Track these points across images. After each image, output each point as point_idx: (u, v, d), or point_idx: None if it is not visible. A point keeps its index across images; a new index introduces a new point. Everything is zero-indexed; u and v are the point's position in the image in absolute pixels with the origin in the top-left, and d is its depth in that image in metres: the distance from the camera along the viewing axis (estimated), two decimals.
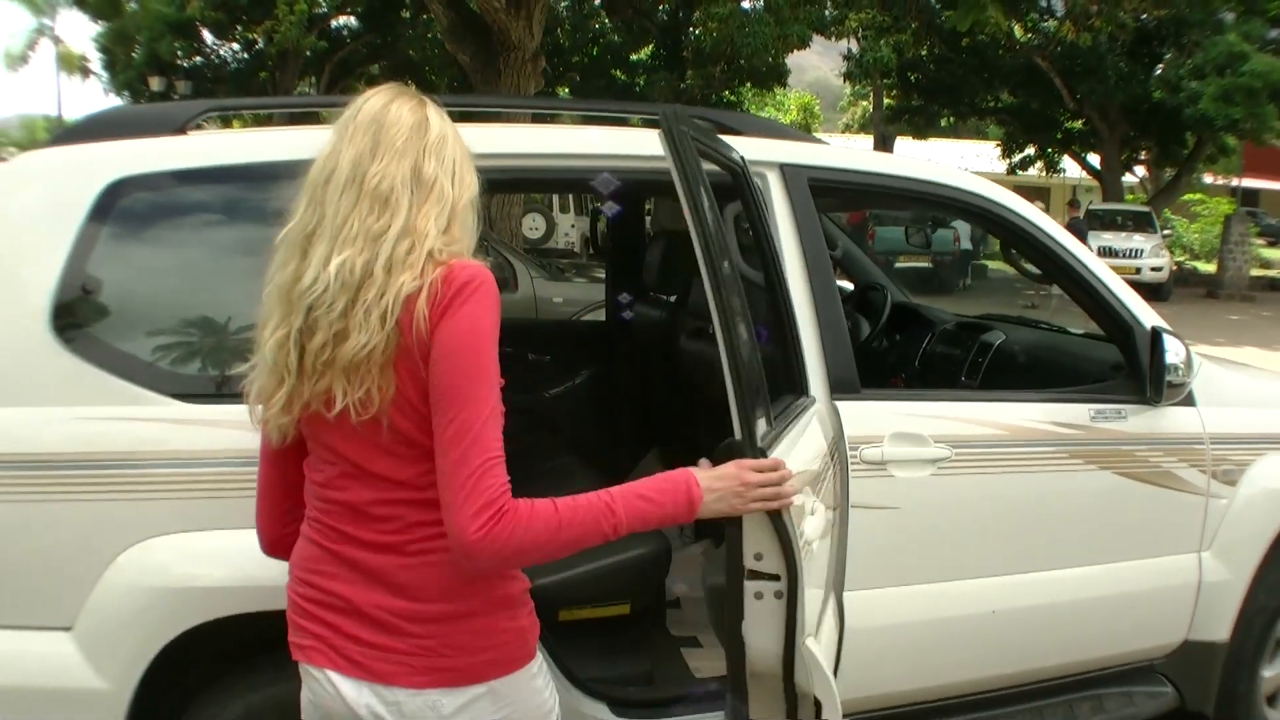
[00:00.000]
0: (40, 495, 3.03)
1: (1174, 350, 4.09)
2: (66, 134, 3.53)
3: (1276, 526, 4.47)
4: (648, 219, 8.51)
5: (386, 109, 2.32)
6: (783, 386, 3.59)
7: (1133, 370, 4.19)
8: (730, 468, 2.42)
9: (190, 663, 3.19)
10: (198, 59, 37.31)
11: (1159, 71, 32.10)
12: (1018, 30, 31.63)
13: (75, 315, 3.11)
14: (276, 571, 3.03)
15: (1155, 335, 4.09)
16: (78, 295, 3.12)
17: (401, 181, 2.22)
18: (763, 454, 2.56)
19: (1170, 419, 4.23)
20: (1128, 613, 4.29)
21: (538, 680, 2.44)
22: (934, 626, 3.88)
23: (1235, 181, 40.84)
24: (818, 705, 2.80)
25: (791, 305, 3.61)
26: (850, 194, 4.60)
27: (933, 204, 4.59)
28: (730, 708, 3.00)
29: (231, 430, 3.05)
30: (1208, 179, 46.87)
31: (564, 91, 36.96)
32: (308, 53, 33.96)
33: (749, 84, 38.64)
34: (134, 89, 36.84)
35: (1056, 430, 4.04)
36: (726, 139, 3.72)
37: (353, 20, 37.66)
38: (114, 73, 38.40)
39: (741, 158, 3.56)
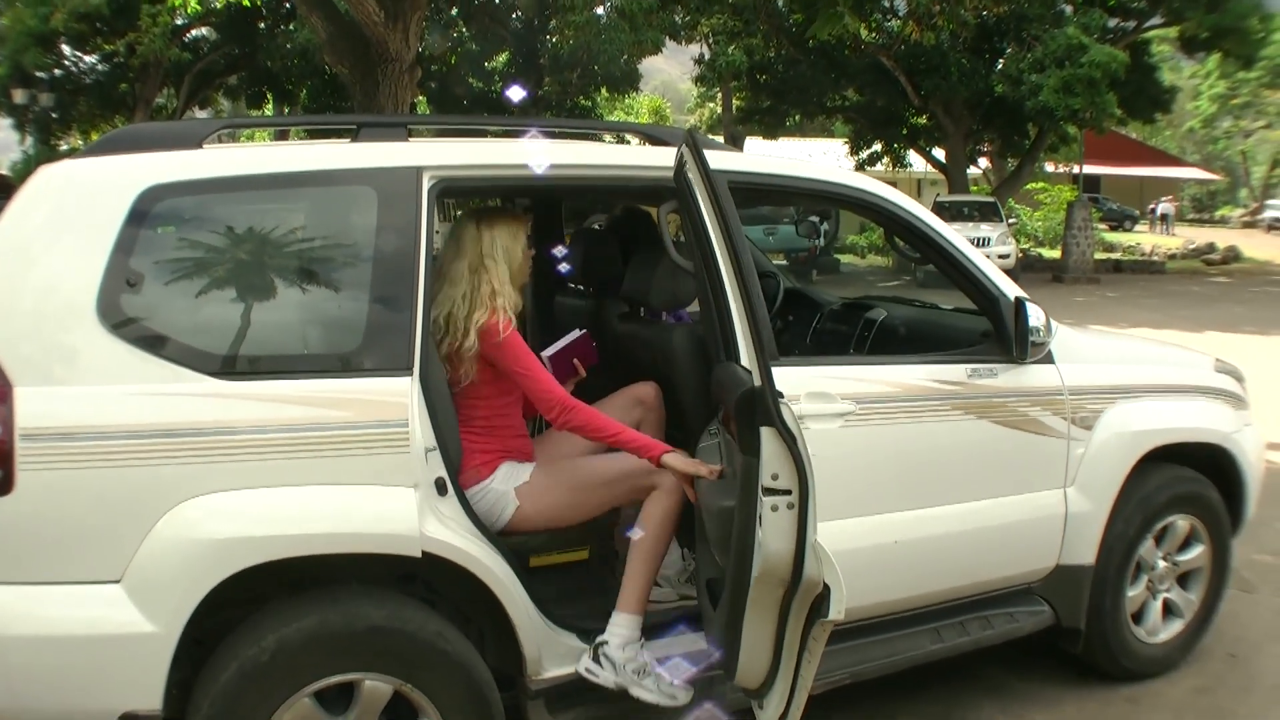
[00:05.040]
0: (91, 463, 3.40)
1: (1035, 315, 4.73)
2: (96, 147, 3.91)
3: (1130, 464, 5.14)
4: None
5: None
6: (712, 353, 4.17)
7: (1000, 335, 4.81)
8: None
9: (227, 604, 3.60)
10: (58, 71, 36.74)
11: (1000, 66, 32.81)
12: (863, 31, 32.18)
13: (118, 305, 3.51)
14: (301, 523, 3.59)
15: (1019, 303, 4.73)
16: (120, 288, 3.52)
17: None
18: (780, 396, 3.42)
19: (1034, 375, 4.88)
20: (1007, 541, 4.91)
21: None
22: (846, 556, 4.30)
23: (1076, 169, 41.91)
24: (823, 594, 3.45)
25: (724, 287, 4.16)
26: (764, 193, 5.09)
27: (831, 200, 5.08)
28: (727, 609, 3.63)
29: (257, 403, 3.59)
30: (1049, 167, 47.93)
31: (423, 99, 37.04)
32: (168, 64, 33.73)
33: (604, 89, 39.08)
34: None
35: (940, 387, 4.65)
36: (656, 150, 4.45)
37: (211, 32, 37.35)
38: None
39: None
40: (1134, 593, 5.37)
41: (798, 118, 42.66)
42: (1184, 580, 5.60)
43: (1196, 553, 5.56)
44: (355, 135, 4.16)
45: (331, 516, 3.63)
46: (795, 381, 4.30)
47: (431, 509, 3.76)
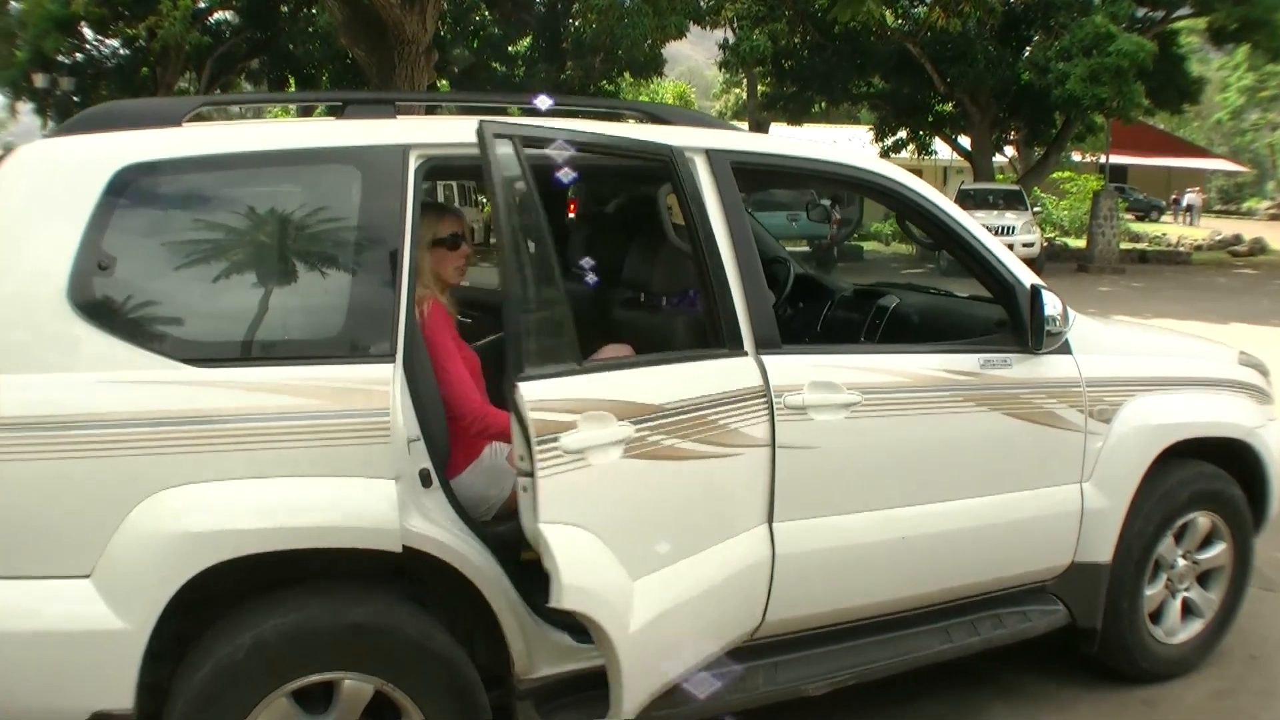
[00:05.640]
0: (62, 454, 3.27)
1: (1051, 304, 4.59)
2: (73, 125, 3.77)
3: (1149, 459, 4.97)
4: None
5: None
6: (710, 341, 4.11)
7: (1015, 324, 4.67)
8: None
9: (202, 601, 3.46)
10: (79, 56, 36.79)
11: (1027, 54, 32.73)
12: (889, 17, 32.03)
13: (91, 289, 3.38)
14: (275, 517, 3.44)
15: (1035, 292, 4.58)
16: (93, 271, 3.38)
17: None
18: (519, 379, 3.27)
19: (1050, 365, 4.73)
20: (1020, 538, 4.76)
21: None
22: (852, 552, 4.31)
23: (1103, 158, 41.70)
24: None
25: (724, 274, 4.07)
26: (768, 175, 4.96)
27: (838, 183, 4.98)
28: None
29: (232, 391, 3.44)
30: (1076, 157, 47.77)
31: (444, 84, 36.95)
32: (188, 48, 33.67)
33: (627, 74, 38.96)
34: (17, 86, 36.26)
35: (951, 377, 4.50)
36: (658, 128, 4.24)
37: (233, 16, 37.35)
38: None
39: (670, 148, 4.08)
40: (1152, 592, 5.22)
41: (823, 104, 42.46)
42: (1204, 579, 5.45)
43: (1217, 551, 5.40)
44: (341, 112, 4.02)
45: (307, 510, 3.48)
46: (798, 371, 4.19)
47: (414, 502, 3.62)
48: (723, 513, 4.00)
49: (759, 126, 39.55)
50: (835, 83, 37.48)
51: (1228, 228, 49.57)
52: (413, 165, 3.80)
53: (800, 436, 4.13)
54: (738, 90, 59.19)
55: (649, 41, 32.02)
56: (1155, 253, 38.20)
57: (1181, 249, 39.76)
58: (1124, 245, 35.39)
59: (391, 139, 3.83)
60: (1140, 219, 54.67)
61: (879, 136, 40.23)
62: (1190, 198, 59.31)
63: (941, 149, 41.58)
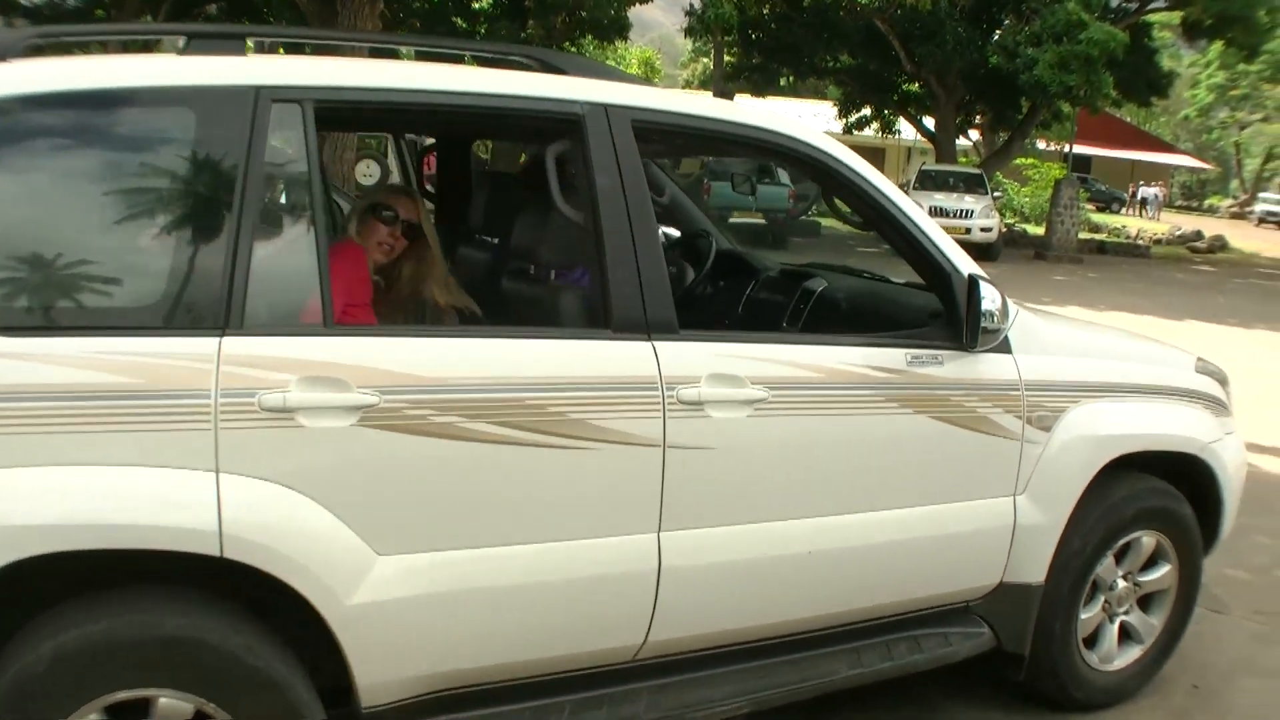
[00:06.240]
0: None
1: (990, 297, 4.13)
2: None
3: (1091, 472, 4.58)
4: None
5: None
6: (598, 321, 3.71)
7: (950, 317, 4.24)
8: None
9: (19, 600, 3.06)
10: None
11: (997, 37, 32.59)
12: None
13: None
14: (91, 509, 2.99)
15: (972, 282, 4.14)
16: None
17: None
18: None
19: (986, 365, 4.30)
20: (943, 555, 4.36)
21: None
22: (750, 566, 3.89)
23: (1067, 147, 41.78)
24: None
25: (614, 247, 3.66)
26: (677, 138, 4.52)
27: (760, 151, 4.52)
28: None
29: (58, 366, 2.98)
30: (1040, 144, 47.89)
31: None
32: None
33: (590, 36, 38.69)
34: None
35: (873, 374, 4.06)
36: (550, 79, 3.83)
37: None
38: None
39: (582, 110, 3.72)
40: (1087, 615, 4.85)
41: (790, 78, 42.33)
42: (1146, 602, 5.07)
43: (1162, 573, 5.03)
44: (184, 47, 3.47)
45: (111, 505, 3.02)
46: (696, 360, 3.75)
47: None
48: (554, 510, 3.59)
49: (724, 97, 39.32)
50: (802, 56, 37.40)
51: (1189, 223, 50.04)
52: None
53: (694, 436, 3.69)
54: (705, 60, 58.95)
55: (614, 3, 31.65)
56: (1114, 244, 38.44)
57: (1141, 242, 39.95)
58: (1083, 235, 35.69)
59: (236, 79, 3.32)
60: (1101, 210, 55.01)
61: (844, 113, 40.10)
62: (1147, 190, 59.38)
63: (906, 129, 41.59)
